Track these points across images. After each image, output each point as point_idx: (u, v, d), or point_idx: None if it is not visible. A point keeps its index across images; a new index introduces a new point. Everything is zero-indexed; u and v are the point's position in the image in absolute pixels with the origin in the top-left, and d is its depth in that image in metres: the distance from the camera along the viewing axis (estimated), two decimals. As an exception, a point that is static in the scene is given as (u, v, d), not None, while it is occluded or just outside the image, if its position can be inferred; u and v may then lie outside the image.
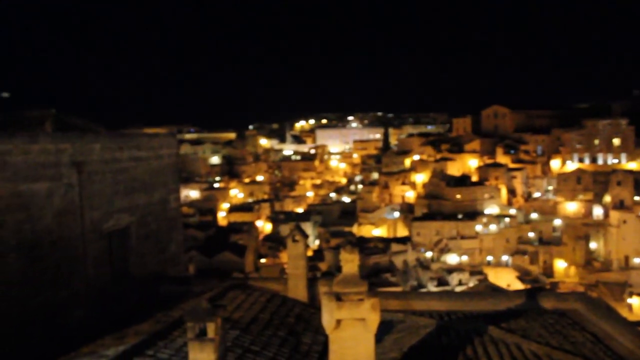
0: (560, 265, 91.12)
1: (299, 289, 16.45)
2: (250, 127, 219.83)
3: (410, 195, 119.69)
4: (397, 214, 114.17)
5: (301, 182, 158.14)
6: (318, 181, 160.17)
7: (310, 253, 79.98)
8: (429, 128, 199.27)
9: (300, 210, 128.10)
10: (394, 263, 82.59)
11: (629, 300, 73.74)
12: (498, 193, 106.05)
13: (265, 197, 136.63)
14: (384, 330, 13.21)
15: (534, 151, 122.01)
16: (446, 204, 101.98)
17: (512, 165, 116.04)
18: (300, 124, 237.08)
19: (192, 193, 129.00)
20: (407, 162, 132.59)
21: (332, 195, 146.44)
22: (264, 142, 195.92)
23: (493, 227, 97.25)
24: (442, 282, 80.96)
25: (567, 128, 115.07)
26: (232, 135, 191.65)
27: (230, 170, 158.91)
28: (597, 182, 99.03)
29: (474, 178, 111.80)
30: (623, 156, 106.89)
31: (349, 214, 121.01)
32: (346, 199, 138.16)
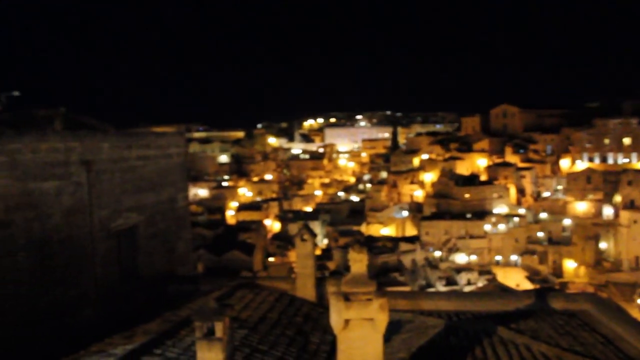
0: (569, 265, 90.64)
1: (307, 288, 16.41)
2: (259, 125, 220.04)
3: (419, 194, 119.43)
4: (405, 213, 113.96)
5: (310, 181, 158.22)
6: (326, 180, 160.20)
7: (318, 252, 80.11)
8: (438, 127, 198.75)
9: (308, 209, 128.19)
10: (402, 262, 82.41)
11: (640, 301, 73.33)
12: (507, 192, 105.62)
13: (274, 196, 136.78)
14: (392, 330, 13.16)
15: (544, 150, 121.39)
16: (455, 204, 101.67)
17: (521, 165, 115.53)
18: (309, 123, 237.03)
19: (200, 192, 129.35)
20: (416, 161, 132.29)
21: (341, 194, 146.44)
22: (272, 140, 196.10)
23: (502, 227, 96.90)
24: (450, 281, 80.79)
25: (577, 127, 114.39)
26: (240, 134, 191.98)
27: (239, 169, 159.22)
28: (607, 182, 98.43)
29: (483, 177, 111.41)
30: (634, 156, 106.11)
31: (358, 213, 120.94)
32: (355, 198, 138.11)
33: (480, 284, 79.13)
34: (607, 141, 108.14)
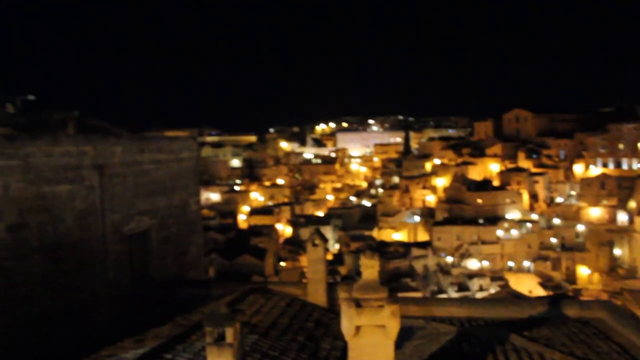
0: (583, 271, 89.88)
1: (318, 294, 16.36)
2: (271, 130, 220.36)
3: (431, 199, 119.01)
4: (417, 218, 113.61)
5: (321, 185, 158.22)
6: (338, 185, 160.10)
7: (330, 257, 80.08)
8: (450, 132, 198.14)
9: (320, 213, 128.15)
10: (414, 268, 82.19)
11: (654, 309, 72.47)
12: (520, 198, 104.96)
13: (286, 200, 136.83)
14: (403, 337, 13.07)
15: (557, 156, 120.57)
16: (467, 209, 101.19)
17: (534, 170, 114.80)
18: (321, 128, 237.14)
19: (212, 196, 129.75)
20: (428, 166, 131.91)
21: (353, 198, 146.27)
22: (284, 145, 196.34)
23: (514, 233, 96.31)
24: (462, 287, 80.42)
25: (591, 132, 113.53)
26: (252, 139, 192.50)
27: (251, 173, 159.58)
28: (622, 188, 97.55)
29: (496, 182, 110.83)
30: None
31: (369, 217, 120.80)
32: (366, 203, 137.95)
33: (492, 290, 78.68)
34: (621, 146, 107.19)
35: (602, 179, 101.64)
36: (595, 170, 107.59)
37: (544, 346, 12.83)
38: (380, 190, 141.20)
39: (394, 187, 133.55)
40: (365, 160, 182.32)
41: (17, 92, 21.30)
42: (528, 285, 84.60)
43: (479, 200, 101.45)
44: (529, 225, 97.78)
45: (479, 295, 74.89)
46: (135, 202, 16.67)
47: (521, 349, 12.80)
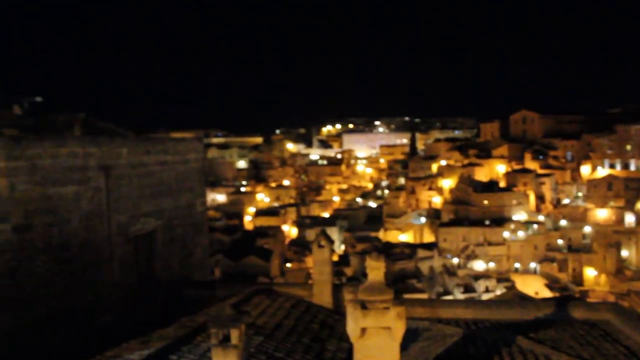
0: (590, 273, 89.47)
1: (324, 295, 16.33)
2: (277, 131, 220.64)
3: (437, 200, 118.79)
4: (423, 220, 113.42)
5: (327, 186, 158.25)
6: (344, 186, 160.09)
7: (335, 258, 80.00)
8: (456, 133, 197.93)
9: (326, 215, 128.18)
10: (420, 269, 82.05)
11: (662, 311, 72.07)
12: (526, 199, 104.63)
13: (292, 201, 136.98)
14: (409, 339, 13.03)
15: (564, 157, 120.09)
16: (473, 210, 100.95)
17: (540, 171, 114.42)
18: (327, 129, 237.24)
19: (218, 197, 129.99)
20: (434, 168, 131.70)
21: (359, 200, 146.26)
22: (290, 146, 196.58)
23: (521, 234, 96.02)
24: (468, 288, 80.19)
25: (598, 133, 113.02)
26: (259, 140, 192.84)
27: (257, 174, 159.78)
28: (629, 189, 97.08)
29: (502, 184, 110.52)
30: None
31: (375, 219, 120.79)
32: (372, 204, 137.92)
33: (498, 292, 78.45)
34: (629, 147, 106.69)
35: (609, 180, 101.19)
36: (603, 172, 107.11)
37: (550, 348, 12.76)
38: (386, 191, 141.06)
39: (400, 188, 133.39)
40: (371, 161, 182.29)
41: (23, 94, 21.38)
42: (534, 287, 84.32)
43: (485, 202, 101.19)
44: (535, 226, 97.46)
45: (485, 296, 74.69)
46: (141, 203, 16.69)
47: (527, 351, 12.74)
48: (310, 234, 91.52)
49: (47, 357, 13.05)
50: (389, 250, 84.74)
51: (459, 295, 76.10)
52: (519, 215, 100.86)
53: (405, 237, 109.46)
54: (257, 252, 78.87)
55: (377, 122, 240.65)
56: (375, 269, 9.36)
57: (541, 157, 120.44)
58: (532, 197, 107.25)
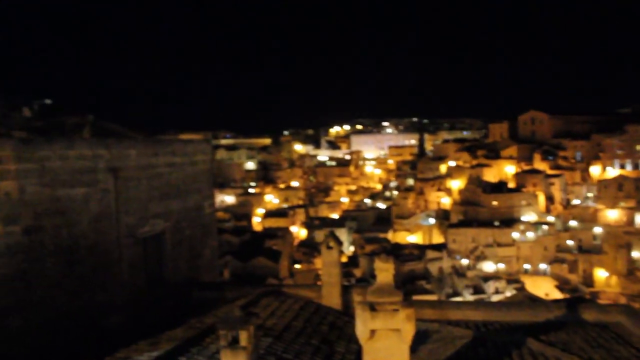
0: (600, 274, 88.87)
1: (332, 297, 16.30)
2: (286, 132, 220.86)
3: (446, 201, 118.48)
4: (432, 221, 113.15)
5: (336, 188, 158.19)
6: (353, 187, 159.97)
7: (344, 259, 79.94)
8: (465, 134, 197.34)
9: (335, 216, 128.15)
10: (429, 270, 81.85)
11: (674, 312, 71.46)
12: (535, 200, 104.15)
13: (300, 202, 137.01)
14: (418, 340, 12.97)
15: (573, 157, 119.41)
16: (482, 211, 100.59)
17: (550, 172, 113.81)
18: (335, 130, 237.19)
19: (227, 198, 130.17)
20: (443, 168, 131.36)
21: (367, 201, 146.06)
22: (299, 147, 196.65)
23: (530, 235, 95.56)
24: (478, 290, 79.92)
25: (608, 133, 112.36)
26: (267, 141, 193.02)
27: (266, 175, 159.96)
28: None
29: (511, 184, 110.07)
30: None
31: (384, 220, 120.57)
32: (381, 205, 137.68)
33: (508, 293, 78.11)
34: (639, 147, 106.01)
35: (620, 181, 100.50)
36: (613, 172, 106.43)
37: (561, 351, 12.67)
38: (395, 192, 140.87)
39: (409, 189, 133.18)
40: (380, 162, 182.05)
41: (24, 95, 21.49)
42: (544, 288, 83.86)
43: (495, 203, 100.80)
44: (545, 227, 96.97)
45: (495, 298, 74.39)
46: (150, 205, 16.72)
47: (538, 353, 12.65)
48: (319, 235, 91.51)
49: (56, 358, 13.09)
50: (397, 252, 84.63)
51: (468, 296, 75.85)
52: (529, 216, 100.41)
53: (414, 238, 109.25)
54: (265, 253, 78.93)
55: (385, 123, 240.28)
56: (384, 271, 9.31)
57: (550, 157, 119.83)
58: (541, 198, 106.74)
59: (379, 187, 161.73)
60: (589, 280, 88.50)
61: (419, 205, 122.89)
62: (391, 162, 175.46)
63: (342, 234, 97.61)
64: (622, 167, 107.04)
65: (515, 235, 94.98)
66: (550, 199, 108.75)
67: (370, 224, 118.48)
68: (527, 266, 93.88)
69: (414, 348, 9.75)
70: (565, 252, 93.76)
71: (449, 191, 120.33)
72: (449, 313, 15.92)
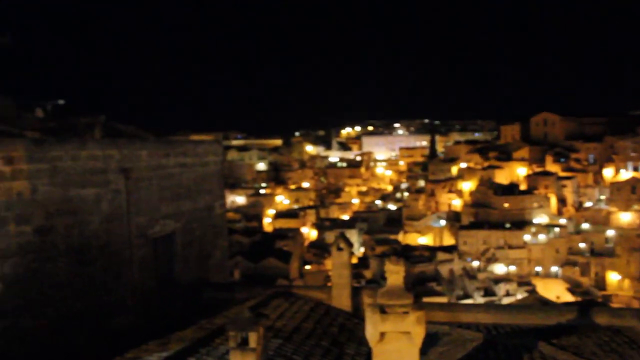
0: (613, 277, 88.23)
1: (342, 298, 16.26)
2: (297, 133, 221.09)
3: (457, 203, 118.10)
4: (443, 222, 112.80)
5: (347, 189, 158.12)
6: (364, 188, 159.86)
7: (355, 260, 79.86)
8: (477, 135, 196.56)
9: (345, 217, 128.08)
10: (439, 272, 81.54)
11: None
12: (547, 202, 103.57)
13: (311, 203, 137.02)
14: (429, 343, 12.90)
15: (586, 159, 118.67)
16: (494, 213, 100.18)
17: (562, 174, 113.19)
18: (346, 131, 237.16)
19: (238, 199, 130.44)
20: (454, 170, 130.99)
21: (378, 202, 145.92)
22: (309, 148, 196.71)
23: (542, 237, 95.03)
24: (488, 292, 79.57)
25: (621, 135, 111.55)
26: (278, 142, 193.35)
27: (276, 176, 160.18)
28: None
29: (523, 186, 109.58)
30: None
31: (395, 221, 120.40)
32: (392, 207, 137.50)
33: (519, 296, 77.67)
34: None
35: (633, 183, 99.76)
36: (626, 174, 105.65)
37: (573, 355, 12.55)
38: (406, 193, 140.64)
39: (420, 190, 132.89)
40: (391, 163, 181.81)
41: (46, 97, 21.60)
42: (556, 291, 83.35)
43: (506, 205, 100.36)
44: (556, 229, 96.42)
45: (506, 300, 74.01)
46: (161, 205, 16.75)
47: (549, 357, 12.54)
48: (330, 237, 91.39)
49: (67, 358, 13.14)
50: (408, 253, 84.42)
51: (479, 298, 75.50)
52: (540, 219, 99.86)
53: (425, 240, 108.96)
54: (276, 254, 79.00)
55: (396, 125, 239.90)
56: (395, 273, 9.26)
57: (562, 159, 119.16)
58: (553, 200, 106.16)
59: (389, 188, 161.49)
60: (601, 284, 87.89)
61: (430, 206, 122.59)
62: (402, 164, 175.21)
63: (353, 235, 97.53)
64: (636, 169, 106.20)
65: (527, 237, 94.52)
66: (562, 201, 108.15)
67: (381, 225, 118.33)
68: (538, 269, 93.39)
69: (424, 351, 9.69)
70: (577, 254, 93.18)
71: (460, 193, 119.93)
72: (460, 315, 15.83)
